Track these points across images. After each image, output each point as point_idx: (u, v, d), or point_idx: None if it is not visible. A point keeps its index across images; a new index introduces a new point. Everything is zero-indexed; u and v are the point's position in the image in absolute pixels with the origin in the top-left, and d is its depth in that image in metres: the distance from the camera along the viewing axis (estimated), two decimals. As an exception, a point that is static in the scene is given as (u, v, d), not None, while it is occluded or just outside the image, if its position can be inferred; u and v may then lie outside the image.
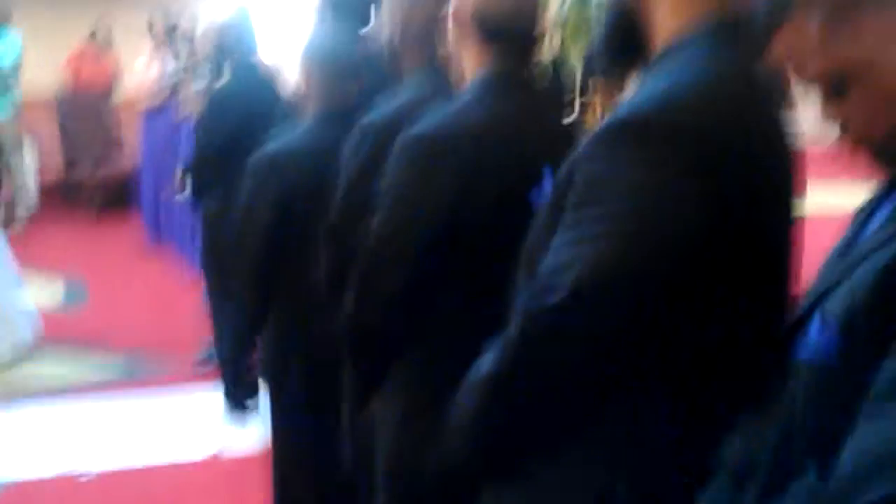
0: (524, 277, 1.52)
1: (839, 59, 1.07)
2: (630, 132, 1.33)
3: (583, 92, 4.97)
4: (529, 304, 1.35)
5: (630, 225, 1.29)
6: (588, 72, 4.88)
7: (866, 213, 1.16)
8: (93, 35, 9.64)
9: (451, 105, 1.93)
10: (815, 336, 1.07)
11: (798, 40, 1.09)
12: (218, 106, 4.33)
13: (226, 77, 4.49)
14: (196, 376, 5.04)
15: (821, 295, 1.08)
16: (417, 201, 1.87)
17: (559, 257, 1.33)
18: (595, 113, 4.85)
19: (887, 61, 1.03)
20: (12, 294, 5.51)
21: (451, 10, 1.97)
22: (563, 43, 4.93)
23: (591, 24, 4.69)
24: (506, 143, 1.87)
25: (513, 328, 1.38)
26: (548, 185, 1.53)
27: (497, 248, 1.73)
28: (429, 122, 1.89)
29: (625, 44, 1.54)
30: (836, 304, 1.04)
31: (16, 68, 8.77)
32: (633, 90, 1.47)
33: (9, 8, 8.77)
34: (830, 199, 5.17)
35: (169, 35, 7.28)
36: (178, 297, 6.29)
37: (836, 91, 1.09)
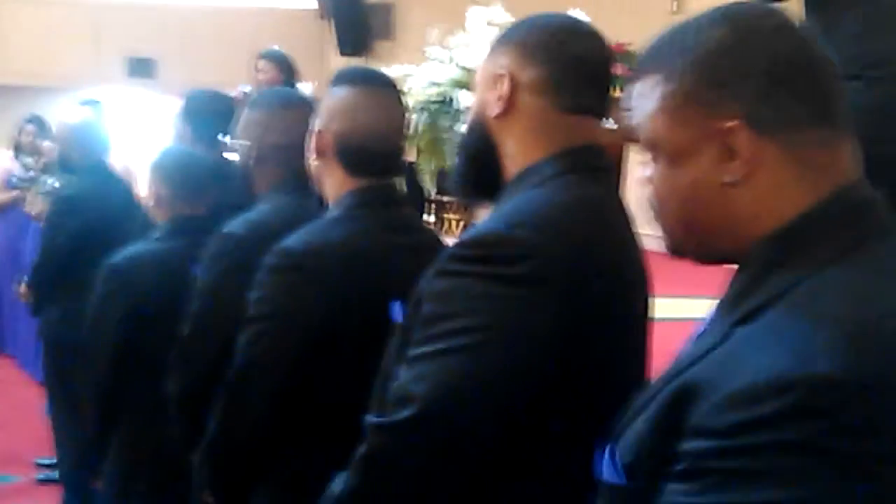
0: (378, 397, 1.53)
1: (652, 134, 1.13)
2: (479, 249, 1.38)
3: (438, 203, 5.05)
4: (379, 420, 1.36)
5: (477, 339, 1.32)
6: (443, 187, 4.98)
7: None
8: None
9: (320, 222, 1.94)
10: (608, 468, 1.10)
11: (640, 99, 1.14)
12: (63, 209, 4.22)
13: (74, 178, 4.38)
14: (36, 492, 4.76)
15: (626, 422, 1.10)
16: (288, 320, 1.85)
17: (408, 373, 1.35)
18: (451, 223, 4.92)
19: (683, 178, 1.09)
20: None
21: (313, 131, 1.98)
22: (417, 155, 5.00)
23: (443, 140, 4.79)
24: (372, 259, 1.88)
25: (363, 446, 1.38)
26: (403, 303, 1.54)
27: (362, 364, 1.73)
28: (297, 238, 1.88)
29: (480, 172, 1.60)
30: (624, 445, 1.07)
31: None
32: (487, 214, 1.53)
33: None
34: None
35: (19, 134, 7.05)
36: (20, 407, 6.00)
37: (652, 157, 1.14)
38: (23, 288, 4.54)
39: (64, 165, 4.47)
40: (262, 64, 4.85)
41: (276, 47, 5.15)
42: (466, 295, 1.34)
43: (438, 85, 4.91)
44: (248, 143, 2.32)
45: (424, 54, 5.22)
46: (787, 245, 1.03)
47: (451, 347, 1.32)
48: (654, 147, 1.12)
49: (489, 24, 4.96)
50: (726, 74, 1.05)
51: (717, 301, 1.11)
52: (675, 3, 9.16)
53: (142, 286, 2.65)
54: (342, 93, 1.96)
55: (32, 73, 12.41)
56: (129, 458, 2.75)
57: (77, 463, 4.04)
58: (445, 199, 5.07)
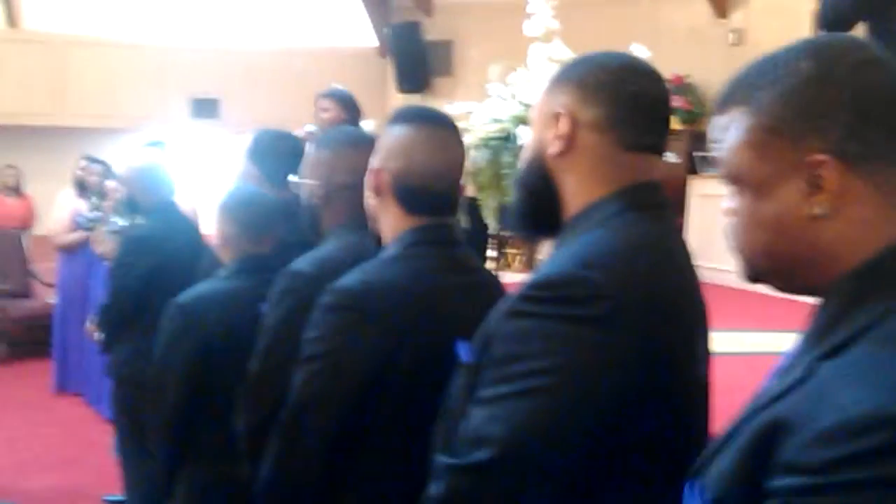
0: (443, 436, 1.53)
1: (737, 166, 1.13)
2: (552, 290, 1.38)
3: (500, 238, 5.06)
4: (455, 461, 1.36)
5: (553, 380, 1.32)
6: (504, 224, 4.99)
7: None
8: (9, 168, 9.53)
9: (376, 261, 1.95)
10: (698, 499, 1.09)
11: (723, 132, 1.15)
12: (132, 250, 4.28)
13: (141, 219, 4.46)
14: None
15: (711, 455, 1.10)
16: (345, 360, 1.86)
17: (482, 413, 1.35)
18: (514, 259, 4.93)
19: (777, 197, 1.09)
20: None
21: (371, 170, 2.00)
22: (479, 190, 5.03)
23: (505, 176, 4.81)
24: (428, 299, 1.89)
25: (438, 487, 1.38)
26: (468, 342, 1.55)
27: (417, 404, 1.73)
28: (354, 278, 1.90)
29: (539, 210, 1.61)
30: (711, 480, 1.06)
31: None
32: (550, 252, 1.54)
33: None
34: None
35: (88, 174, 7.19)
36: (87, 444, 6.08)
37: (737, 190, 1.15)
38: (92, 327, 4.62)
39: (131, 206, 4.56)
40: (325, 102, 4.90)
41: (338, 85, 5.19)
42: (541, 336, 1.35)
43: (500, 121, 4.94)
44: (316, 182, 2.35)
45: (484, 90, 5.25)
46: (873, 279, 1.02)
47: (526, 389, 1.33)
48: (738, 180, 1.13)
49: (549, 60, 4.98)
50: (813, 107, 1.05)
51: (801, 335, 1.10)
52: (734, 35, 9.11)
53: (209, 325, 2.69)
54: (400, 132, 1.98)
55: (99, 115, 12.70)
56: (199, 496, 2.77)
57: (146, 501, 4.08)
58: (508, 234, 5.09)
